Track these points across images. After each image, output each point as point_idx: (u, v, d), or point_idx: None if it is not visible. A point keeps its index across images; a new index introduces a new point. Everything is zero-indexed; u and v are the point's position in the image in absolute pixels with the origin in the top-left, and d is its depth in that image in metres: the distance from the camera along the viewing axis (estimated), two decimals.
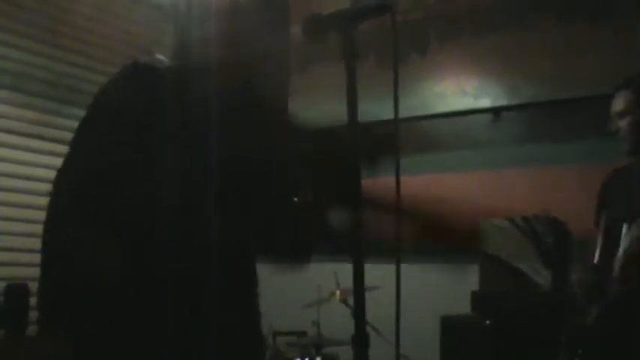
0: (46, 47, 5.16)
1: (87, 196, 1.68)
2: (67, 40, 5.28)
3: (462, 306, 4.73)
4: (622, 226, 3.07)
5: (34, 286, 4.43)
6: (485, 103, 5.20)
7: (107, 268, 1.62)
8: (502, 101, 5.14)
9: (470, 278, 4.89)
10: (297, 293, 4.58)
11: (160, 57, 1.85)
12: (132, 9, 5.64)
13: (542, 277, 4.77)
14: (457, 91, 5.29)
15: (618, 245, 3.03)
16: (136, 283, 1.62)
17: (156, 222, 1.63)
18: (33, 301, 4.40)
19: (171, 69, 1.78)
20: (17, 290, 4.38)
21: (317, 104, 5.58)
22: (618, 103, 3.28)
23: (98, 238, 1.64)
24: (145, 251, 1.62)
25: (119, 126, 1.72)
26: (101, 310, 1.63)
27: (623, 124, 3.25)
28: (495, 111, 5.16)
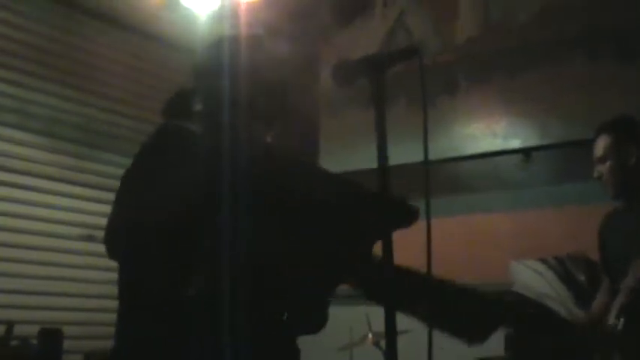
0: (76, 92, 5.24)
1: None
2: (95, 84, 5.36)
3: (495, 348, 4.68)
4: (617, 269, 3.04)
5: (67, 329, 4.47)
6: (515, 143, 5.18)
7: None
8: (532, 141, 5.12)
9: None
10: (329, 336, 4.55)
11: (189, 125, 1.89)
12: (162, 54, 5.71)
13: (576, 318, 4.71)
14: (487, 132, 5.28)
15: (616, 287, 3.01)
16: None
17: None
18: (66, 344, 4.42)
19: (199, 136, 1.82)
20: (51, 334, 4.40)
21: (348, 148, 5.62)
22: (598, 148, 3.23)
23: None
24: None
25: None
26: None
27: (604, 169, 3.20)
28: (526, 151, 5.15)
